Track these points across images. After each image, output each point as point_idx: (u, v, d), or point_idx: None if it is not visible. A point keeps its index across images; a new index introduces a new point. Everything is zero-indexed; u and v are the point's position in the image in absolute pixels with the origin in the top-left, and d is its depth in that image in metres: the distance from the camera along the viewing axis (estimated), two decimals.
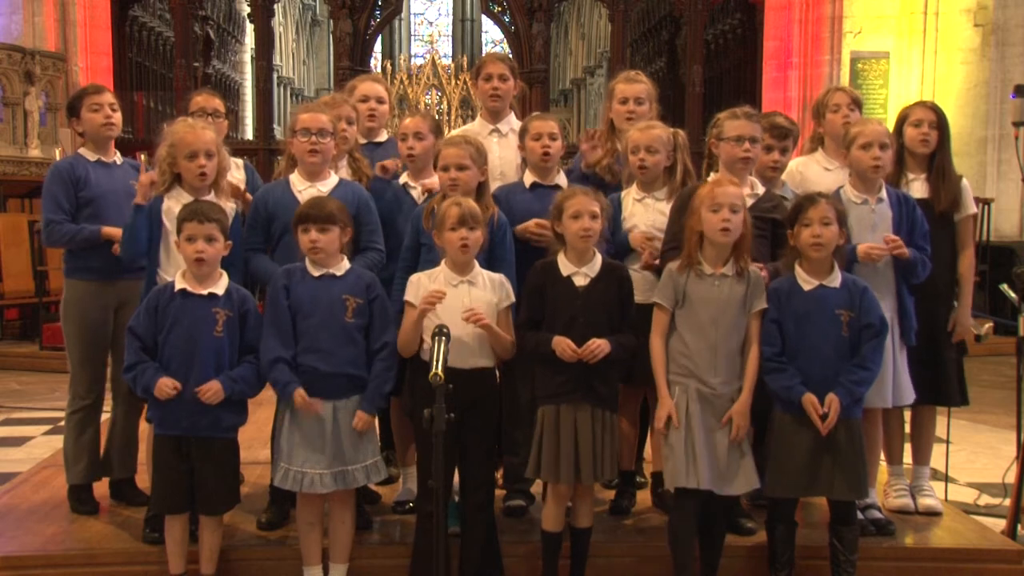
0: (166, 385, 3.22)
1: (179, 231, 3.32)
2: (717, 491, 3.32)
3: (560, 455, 3.29)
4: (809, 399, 3.27)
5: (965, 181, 4.02)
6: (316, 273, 3.34)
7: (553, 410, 3.32)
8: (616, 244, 3.66)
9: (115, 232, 3.77)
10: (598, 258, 3.38)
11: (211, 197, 3.55)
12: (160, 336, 3.30)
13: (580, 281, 3.36)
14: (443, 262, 3.38)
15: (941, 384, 3.97)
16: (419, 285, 3.34)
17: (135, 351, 3.30)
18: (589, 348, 3.26)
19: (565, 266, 3.37)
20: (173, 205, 3.51)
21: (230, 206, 3.62)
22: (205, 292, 3.31)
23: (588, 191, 3.40)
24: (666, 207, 3.67)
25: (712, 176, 3.70)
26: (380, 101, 4.22)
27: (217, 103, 4.16)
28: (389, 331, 3.37)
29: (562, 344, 3.27)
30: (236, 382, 3.29)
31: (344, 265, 3.38)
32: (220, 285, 3.34)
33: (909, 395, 3.80)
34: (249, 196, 3.85)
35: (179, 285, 3.32)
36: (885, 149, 3.69)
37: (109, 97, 4.00)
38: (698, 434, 3.30)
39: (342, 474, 3.32)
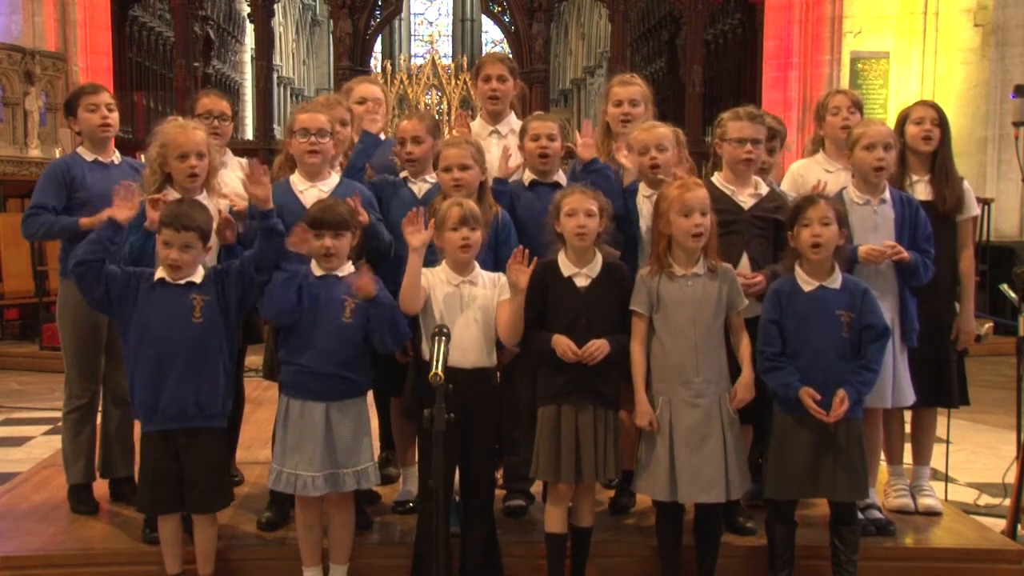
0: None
1: (159, 231, 3.30)
2: (700, 500, 3.34)
3: (561, 455, 3.29)
4: (806, 391, 3.27)
5: (966, 183, 4.03)
6: (319, 273, 3.34)
7: (554, 410, 3.32)
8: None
9: (91, 222, 3.73)
10: (599, 258, 3.38)
11: (203, 197, 3.54)
12: (137, 321, 3.29)
13: (581, 282, 3.36)
14: (443, 262, 3.38)
15: (943, 385, 3.97)
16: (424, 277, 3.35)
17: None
18: (588, 350, 3.26)
19: (566, 266, 3.37)
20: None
21: (223, 203, 3.61)
22: (183, 282, 3.30)
23: (586, 190, 3.40)
24: None
25: (716, 176, 3.71)
26: (377, 103, 4.21)
27: (224, 106, 4.14)
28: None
29: (562, 344, 3.27)
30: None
31: (348, 268, 3.38)
32: (198, 275, 3.32)
33: (909, 396, 3.80)
34: (244, 204, 3.82)
35: (158, 275, 3.31)
36: (889, 150, 3.69)
37: (106, 97, 3.99)
38: (680, 447, 3.31)
39: (333, 477, 3.30)
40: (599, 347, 3.27)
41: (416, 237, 3.27)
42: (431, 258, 3.51)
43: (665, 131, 3.72)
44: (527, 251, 3.29)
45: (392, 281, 3.43)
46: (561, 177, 3.87)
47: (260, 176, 3.36)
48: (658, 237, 3.37)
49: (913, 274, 3.70)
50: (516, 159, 3.82)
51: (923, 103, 4.14)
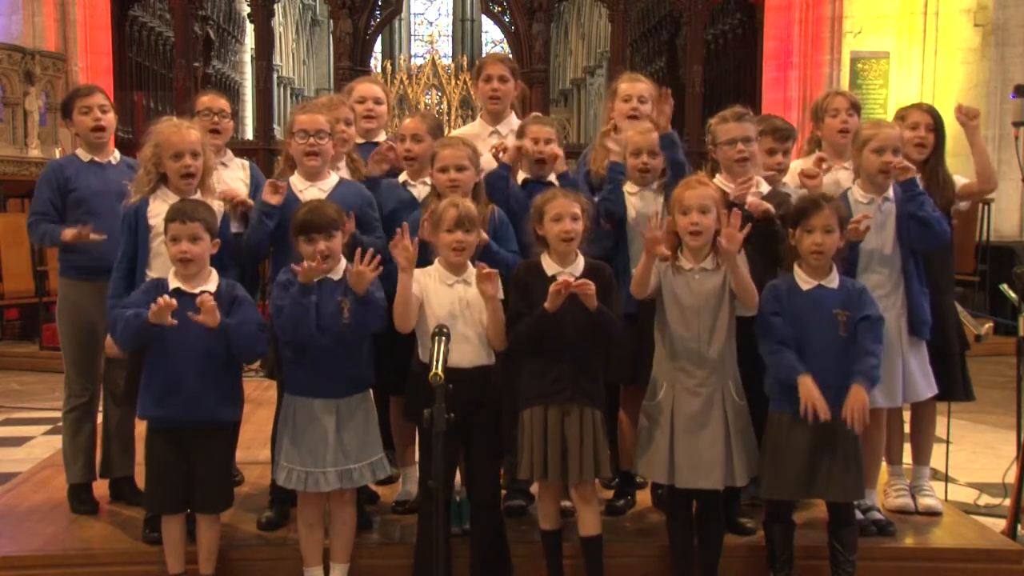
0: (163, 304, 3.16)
1: (165, 231, 3.32)
2: (698, 486, 3.34)
3: (548, 455, 3.28)
4: (805, 383, 3.24)
5: (956, 176, 4.04)
6: (315, 278, 3.33)
7: (541, 411, 3.31)
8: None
9: (73, 233, 3.81)
10: (581, 258, 3.38)
11: (198, 196, 3.54)
12: (153, 332, 3.28)
13: None
14: (436, 261, 3.38)
15: (947, 380, 3.95)
16: (415, 278, 3.33)
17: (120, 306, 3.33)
18: (585, 283, 3.19)
19: (549, 266, 3.36)
20: (159, 205, 3.52)
21: (218, 204, 3.61)
22: (197, 291, 3.30)
23: (568, 192, 3.41)
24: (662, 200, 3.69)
25: (717, 178, 3.72)
26: (377, 102, 4.22)
27: (223, 104, 4.14)
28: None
29: (558, 284, 3.20)
30: (231, 323, 3.25)
31: (341, 267, 3.38)
32: (211, 283, 3.33)
33: (925, 390, 3.80)
34: (251, 202, 3.83)
35: (172, 284, 3.31)
36: (897, 154, 3.68)
37: (100, 99, 4.00)
38: (680, 433, 3.33)
39: (347, 472, 3.33)
40: (590, 284, 3.18)
41: (403, 256, 3.22)
42: (425, 258, 3.51)
43: (658, 136, 3.73)
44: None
45: (391, 283, 3.43)
46: (554, 179, 3.86)
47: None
48: (667, 234, 3.38)
49: (928, 226, 3.63)
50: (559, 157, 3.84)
51: (919, 107, 4.14)
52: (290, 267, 3.33)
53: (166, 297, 3.18)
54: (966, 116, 3.95)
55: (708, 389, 3.34)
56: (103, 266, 3.83)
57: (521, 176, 3.88)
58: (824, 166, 3.89)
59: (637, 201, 3.75)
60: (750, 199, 3.51)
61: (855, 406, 3.26)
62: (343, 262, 3.38)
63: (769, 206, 3.51)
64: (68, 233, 3.83)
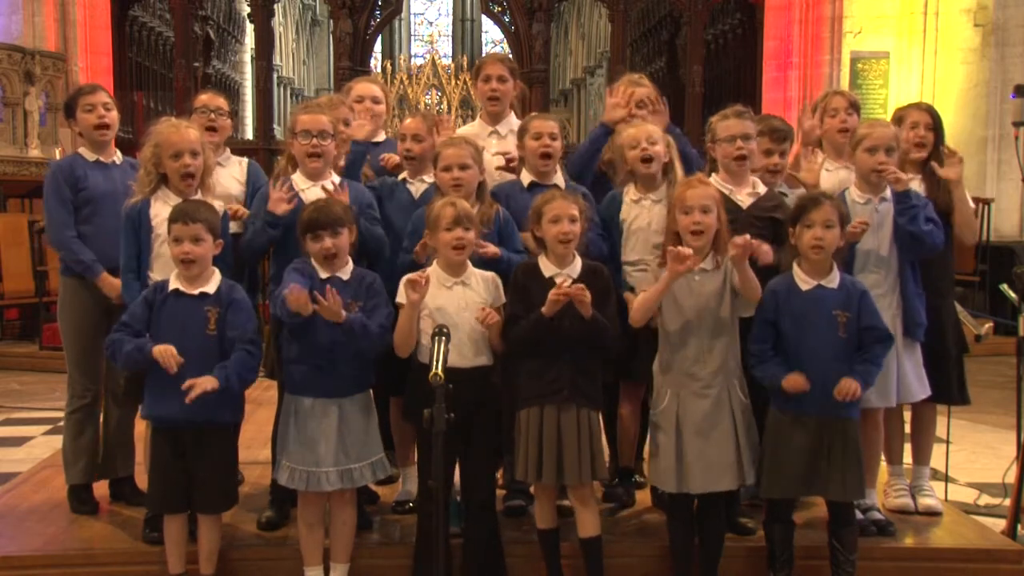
0: (165, 353, 3.16)
1: (168, 232, 3.32)
2: (712, 489, 3.34)
3: (543, 456, 3.28)
4: (791, 380, 3.26)
5: None
6: (324, 275, 3.33)
7: (537, 412, 3.31)
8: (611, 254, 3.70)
9: (110, 283, 3.79)
10: (578, 260, 3.38)
11: (199, 196, 3.54)
12: (153, 335, 3.29)
13: (563, 281, 3.34)
14: (435, 263, 3.38)
15: (942, 382, 3.95)
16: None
17: (119, 327, 3.29)
18: (579, 288, 3.19)
19: (547, 267, 3.36)
20: (160, 206, 3.52)
21: (219, 204, 3.61)
22: (196, 292, 3.30)
23: (567, 194, 3.41)
24: (663, 209, 3.67)
25: (713, 177, 3.71)
26: (375, 101, 4.21)
27: (221, 102, 4.14)
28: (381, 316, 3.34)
29: (556, 293, 3.20)
30: (230, 374, 3.24)
31: (349, 267, 3.37)
32: (212, 284, 3.33)
33: (918, 392, 3.80)
34: (245, 211, 3.83)
35: (173, 285, 3.32)
36: (891, 153, 3.67)
37: (103, 97, 4.00)
38: (690, 437, 3.32)
39: (348, 472, 3.33)
40: (585, 290, 3.19)
41: (415, 294, 3.22)
42: (429, 262, 3.51)
43: (653, 128, 3.75)
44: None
45: (389, 282, 3.43)
46: (559, 179, 3.86)
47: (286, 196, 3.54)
48: (667, 233, 3.39)
49: (919, 240, 3.64)
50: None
51: (918, 106, 4.14)
52: (303, 260, 3.33)
53: (174, 352, 3.17)
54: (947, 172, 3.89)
55: (715, 390, 3.34)
56: (105, 266, 3.83)
57: (527, 179, 3.87)
58: (807, 123, 4.05)
59: (637, 209, 3.73)
60: (755, 247, 3.48)
61: (843, 391, 3.25)
62: (350, 264, 3.38)
63: (771, 258, 3.47)
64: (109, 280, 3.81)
